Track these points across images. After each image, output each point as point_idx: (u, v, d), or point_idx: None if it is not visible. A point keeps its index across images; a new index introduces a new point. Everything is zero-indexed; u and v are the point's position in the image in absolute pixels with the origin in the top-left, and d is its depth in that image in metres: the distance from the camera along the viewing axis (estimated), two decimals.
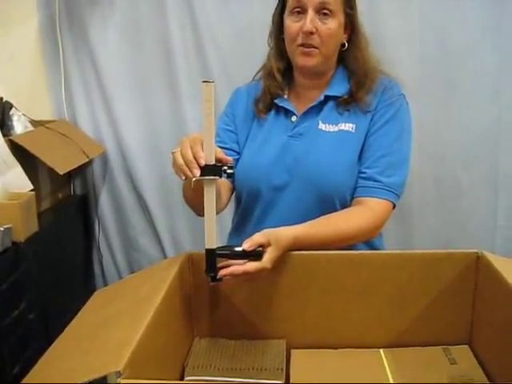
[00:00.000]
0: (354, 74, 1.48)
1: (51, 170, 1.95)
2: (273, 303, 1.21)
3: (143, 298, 1.03)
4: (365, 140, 1.44)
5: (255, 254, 1.11)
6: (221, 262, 1.12)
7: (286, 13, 1.45)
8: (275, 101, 1.52)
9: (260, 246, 1.11)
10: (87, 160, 2.19)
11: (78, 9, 2.27)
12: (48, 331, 1.84)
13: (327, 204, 1.40)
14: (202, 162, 1.06)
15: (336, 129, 1.45)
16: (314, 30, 1.38)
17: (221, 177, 1.09)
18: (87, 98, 2.37)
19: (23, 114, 2.07)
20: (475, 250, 1.15)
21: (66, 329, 1.01)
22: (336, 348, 1.19)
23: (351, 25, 1.47)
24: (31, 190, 1.87)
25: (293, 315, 1.21)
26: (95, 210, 2.48)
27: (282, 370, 1.12)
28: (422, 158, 2.16)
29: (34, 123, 2.12)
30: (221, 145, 1.45)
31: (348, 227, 1.32)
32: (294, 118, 1.50)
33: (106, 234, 2.51)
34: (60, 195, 2.27)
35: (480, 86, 2.10)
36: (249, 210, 1.52)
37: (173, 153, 1.14)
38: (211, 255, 1.10)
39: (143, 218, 2.46)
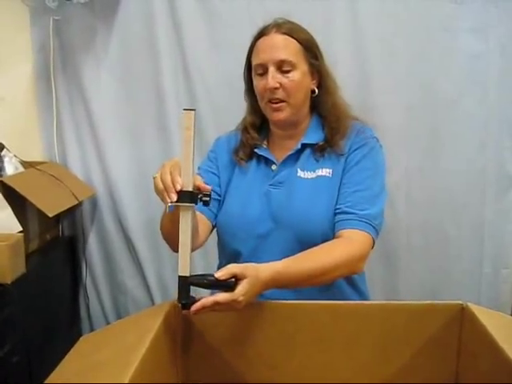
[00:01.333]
0: (327, 120, 1.53)
1: (40, 211, 1.95)
2: (259, 352, 1.20)
3: (129, 346, 1.02)
4: (340, 181, 1.47)
5: (227, 285, 1.10)
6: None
7: (253, 73, 1.51)
8: (255, 150, 1.56)
9: (234, 278, 1.11)
10: (77, 202, 2.20)
11: (72, 53, 2.31)
12: (31, 376, 1.82)
13: (308, 247, 1.41)
14: (178, 187, 1.08)
15: (314, 175, 1.49)
16: (277, 85, 1.44)
17: (196, 204, 1.11)
18: (79, 141, 2.39)
19: (14, 155, 2.09)
20: (460, 302, 1.15)
21: (51, 376, 1.00)
22: None
23: (318, 72, 1.52)
24: (20, 232, 1.87)
25: (279, 364, 1.20)
26: (83, 252, 2.47)
27: None
28: (408, 204, 2.20)
29: (25, 164, 2.13)
30: None
31: (329, 259, 1.31)
32: (273, 167, 1.54)
33: (93, 276, 2.50)
34: (48, 236, 2.26)
35: (466, 137, 2.14)
36: (234, 257, 1.53)
37: (154, 177, 1.16)
38: (184, 282, 1.10)
39: (131, 262, 2.46)
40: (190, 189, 1.09)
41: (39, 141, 2.42)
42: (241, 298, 1.11)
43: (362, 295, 1.57)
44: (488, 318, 1.08)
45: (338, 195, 1.45)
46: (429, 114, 2.14)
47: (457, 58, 2.10)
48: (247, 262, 1.47)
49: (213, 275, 1.10)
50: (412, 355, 1.18)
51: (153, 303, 2.43)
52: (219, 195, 1.57)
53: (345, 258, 1.33)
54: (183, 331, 1.21)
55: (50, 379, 0.99)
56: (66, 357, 1.08)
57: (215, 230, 1.58)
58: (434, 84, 2.12)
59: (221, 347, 1.21)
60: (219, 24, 2.20)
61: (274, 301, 1.19)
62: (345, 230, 1.40)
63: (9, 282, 1.73)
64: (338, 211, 1.43)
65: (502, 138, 2.13)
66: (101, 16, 2.26)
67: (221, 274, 1.10)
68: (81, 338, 1.19)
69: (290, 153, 1.52)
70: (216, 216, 1.56)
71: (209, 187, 1.15)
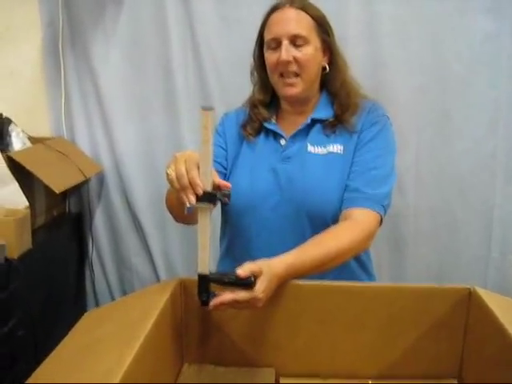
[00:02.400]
0: (337, 97, 1.53)
1: (47, 187, 1.95)
2: (263, 331, 1.20)
3: (133, 322, 1.03)
4: (352, 158, 1.47)
5: (247, 283, 1.09)
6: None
7: (265, 48, 1.51)
8: (264, 124, 1.56)
9: (253, 275, 1.10)
10: (84, 179, 2.20)
11: (81, 27, 2.29)
12: (37, 349, 1.83)
13: (320, 224, 1.41)
14: (200, 191, 1.06)
15: (325, 151, 1.48)
16: (290, 58, 1.44)
17: (215, 205, 1.09)
18: (86, 117, 2.38)
19: (22, 131, 2.08)
20: (467, 286, 1.15)
21: (55, 350, 1.00)
22: (325, 378, 1.18)
23: (329, 49, 1.53)
24: (27, 207, 1.87)
25: (283, 344, 1.20)
26: (89, 228, 2.48)
27: None
28: (417, 187, 2.18)
29: (33, 140, 2.13)
30: None
31: (338, 244, 1.31)
32: (282, 142, 1.53)
33: (99, 253, 2.50)
34: (55, 212, 2.27)
35: (477, 119, 2.12)
36: (241, 231, 1.53)
37: (167, 174, 1.13)
38: (204, 281, 1.10)
39: (137, 239, 2.46)
40: (209, 189, 1.07)
41: (47, 116, 2.41)
42: (261, 295, 1.10)
43: (368, 272, 1.57)
44: (495, 302, 1.07)
45: (349, 173, 1.45)
46: (440, 95, 2.12)
47: (469, 38, 2.07)
48: (253, 238, 1.49)
49: (232, 273, 1.09)
50: (418, 338, 1.18)
51: (158, 280, 2.44)
52: (225, 169, 1.56)
53: (353, 241, 1.33)
54: (189, 309, 1.21)
55: (54, 353, 0.99)
56: (71, 331, 1.09)
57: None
58: (445, 65, 2.09)
59: (226, 326, 1.21)
60: (229, 1, 2.17)
61: (280, 282, 1.18)
62: (353, 209, 1.39)
63: (15, 257, 1.74)
64: (347, 188, 1.43)
65: None
66: None
67: (241, 272, 1.09)
68: (86, 313, 1.20)
69: (299, 127, 1.52)
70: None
71: (228, 184, 1.12)
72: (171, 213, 1.47)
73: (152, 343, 0.98)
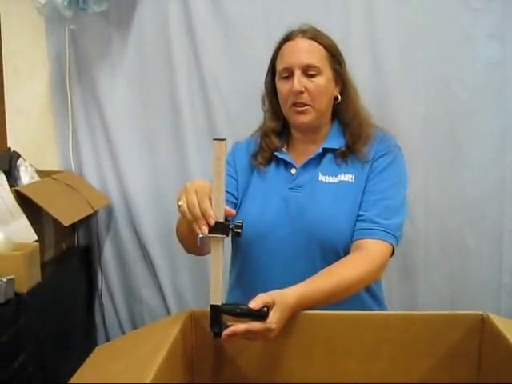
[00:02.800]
0: (349, 127, 1.53)
1: (56, 221, 1.95)
2: (276, 363, 1.19)
3: (145, 356, 1.02)
4: (364, 188, 1.47)
5: (260, 314, 1.09)
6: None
7: (277, 78, 1.53)
8: (275, 153, 1.56)
9: (265, 306, 1.10)
10: (92, 211, 2.20)
11: (87, 62, 2.32)
12: None
13: (331, 253, 1.41)
14: (212, 222, 1.07)
15: (336, 180, 1.48)
16: (302, 89, 1.46)
17: (228, 235, 1.09)
18: (94, 150, 2.39)
19: (30, 165, 2.09)
20: (480, 312, 1.14)
21: None
22: None
23: (341, 79, 1.54)
24: (35, 241, 1.87)
25: (296, 375, 1.19)
26: (98, 260, 2.47)
27: None
28: (427, 215, 2.17)
29: (41, 174, 2.14)
30: None
31: (350, 276, 1.30)
32: (293, 171, 1.53)
33: (108, 285, 2.49)
34: (64, 245, 2.27)
35: (484, 146, 2.11)
36: (251, 261, 1.52)
37: (179, 205, 1.14)
38: (216, 311, 1.10)
39: (146, 270, 2.45)
40: (222, 220, 1.08)
41: (55, 150, 2.42)
42: (274, 326, 1.10)
43: (379, 302, 1.56)
44: (509, 329, 1.06)
45: (361, 202, 1.45)
46: (446, 123, 2.12)
47: (474, 65, 2.07)
48: (263, 268, 1.48)
49: (245, 305, 1.10)
50: (432, 366, 1.16)
51: (168, 312, 2.42)
52: (236, 198, 1.56)
53: (365, 272, 1.33)
54: (199, 342, 1.20)
55: None
56: (82, 367, 1.08)
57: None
58: (451, 93, 2.09)
59: (236, 357, 1.20)
60: (235, 35, 2.19)
61: (293, 313, 1.17)
62: (365, 240, 1.39)
63: (24, 292, 1.74)
64: (360, 218, 1.43)
65: None
66: (116, 25, 2.27)
67: (255, 304, 1.09)
68: (96, 348, 1.19)
69: (310, 157, 1.52)
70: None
71: (233, 211, 1.14)
72: (182, 243, 1.46)
73: (164, 377, 0.97)
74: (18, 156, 2.06)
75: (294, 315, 1.17)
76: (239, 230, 1.10)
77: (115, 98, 2.31)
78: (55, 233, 2.15)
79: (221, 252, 1.09)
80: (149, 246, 2.39)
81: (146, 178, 2.36)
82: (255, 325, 1.09)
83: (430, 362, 1.16)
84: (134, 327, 2.47)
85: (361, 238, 1.40)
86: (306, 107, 1.48)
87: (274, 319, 1.10)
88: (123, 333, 2.48)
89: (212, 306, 1.10)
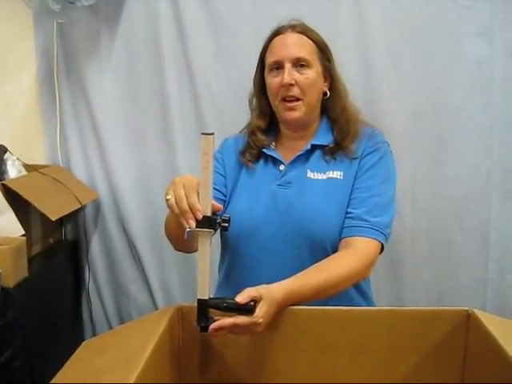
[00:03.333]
0: (337, 123, 1.54)
1: (43, 215, 1.95)
2: (262, 358, 1.19)
3: (132, 350, 1.02)
4: (352, 185, 1.47)
5: (247, 308, 1.09)
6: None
7: (266, 71, 1.53)
8: (263, 150, 1.56)
9: (252, 301, 1.10)
10: (80, 206, 2.19)
11: (75, 56, 2.30)
12: (33, 379, 1.81)
13: (319, 250, 1.42)
14: (200, 216, 1.06)
15: (324, 177, 1.48)
16: (292, 81, 1.45)
17: (216, 230, 1.09)
18: (82, 144, 2.38)
19: (17, 159, 2.08)
20: (465, 308, 1.14)
21: (52, 381, 0.99)
22: None
23: (330, 75, 1.55)
24: (22, 235, 1.86)
25: (282, 370, 1.19)
26: (86, 255, 2.47)
27: None
28: (414, 210, 2.18)
29: (28, 168, 2.13)
30: None
31: (338, 272, 1.31)
32: (281, 167, 1.53)
33: (95, 280, 2.49)
34: (51, 240, 2.26)
35: (471, 142, 2.12)
36: (240, 257, 1.52)
37: (167, 199, 1.14)
38: (203, 306, 1.10)
39: (134, 265, 2.45)
40: (209, 214, 1.08)
41: (42, 144, 2.42)
42: (260, 320, 1.10)
43: (367, 299, 1.56)
44: (494, 325, 1.07)
45: (350, 199, 1.45)
46: (434, 119, 2.13)
47: (462, 63, 2.08)
48: (252, 264, 1.48)
49: (232, 299, 1.10)
50: (418, 362, 1.17)
51: (156, 307, 2.42)
52: (224, 195, 1.56)
53: (353, 269, 1.34)
54: (187, 337, 1.20)
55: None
56: (68, 361, 1.08)
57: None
58: (439, 90, 2.11)
59: (225, 353, 1.20)
60: (224, 31, 2.18)
61: (280, 308, 1.18)
62: (354, 237, 1.40)
63: (11, 286, 1.73)
64: (349, 216, 1.43)
65: (507, 144, 2.12)
66: (105, 19, 2.26)
67: (241, 298, 1.09)
68: (83, 343, 1.19)
69: (299, 153, 1.52)
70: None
71: (220, 206, 1.14)
72: (170, 239, 1.46)
73: (151, 371, 0.97)
74: (5, 150, 2.05)
75: (281, 310, 1.17)
76: (226, 224, 1.10)
77: (103, 93, 2.30)
78: (42, 227, 2.14)
79: (208, 246, 1.09)
80: (136, 241, 2.39)
81: (134, 173, 2.36)
82: (242, 319, 1.09)
83: (416, 357, 1.17)
84: (122, 322, 2.46)
85: (350, 236, 1.40)
86: (296, 103, 1.47)
87: (260, 313, 1.10)
88: (110, 328, 2.47)
89: (199, 300, 1.10)
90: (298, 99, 1.47)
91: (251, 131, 1.60)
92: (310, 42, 1.50)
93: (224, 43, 2.20)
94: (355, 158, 1.49)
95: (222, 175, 1.59)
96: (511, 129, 2.12)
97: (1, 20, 2.29)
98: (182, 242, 1.30)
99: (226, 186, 1.58)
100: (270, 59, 1.51)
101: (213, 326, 1.08)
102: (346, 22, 2.11)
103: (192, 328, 1.13)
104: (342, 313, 1.18)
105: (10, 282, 1.73)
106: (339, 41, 2.07)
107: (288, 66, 1.46)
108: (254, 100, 1.62)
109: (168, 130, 2.30)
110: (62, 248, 2.37)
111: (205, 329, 1.09)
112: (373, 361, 1.17)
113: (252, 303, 1.10)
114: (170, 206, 1.13)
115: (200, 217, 1.06)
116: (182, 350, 1.20)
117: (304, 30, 1.51)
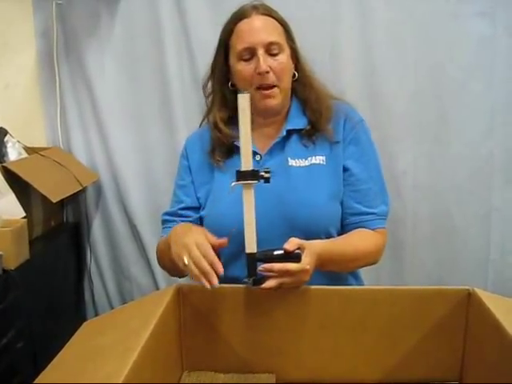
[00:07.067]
0: (308, 103, 1.48)
1: (44, 197, 1.94)
2: (264, 337, 1.20)
3: (132, 330, 1.02)
4: (344, 172, 1.44)
5: (295, 256, 1.12)
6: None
7: (234, 59, 1.45)
8: (235, 143, 1.44)
9: (299, 248, 1.14)
10: (81, 188, 2.19)
11: (75, 38, 2.30)
12: (36, 360, 1.82)
13: (314, 238, 1.37)
14: (221, 272, 1.09)
15: (307, 163, 1.43)
16: (268, 69, 1.38)
17: (258, 181, 1.10)
18: (82, 126, 2.38)
19: (18, 141, 2.07)
20: (466, 287, 1.14)
21: (54, 360, 1.00)
22: (326, 383, 1.18)
23: (295, 55, 1.49)
24: (24, 217, 1.86)
25: (284, 349, 1.20)
26: (87, 237, 2.47)
27: None
28: (415, 193, 2.18)
29: (29, 150, 2.12)
30: (179, 206, 1.52)
31: (364, 245, 1.37)
32: (257, 157, 1.45)
33: (97, 262, 2.50)
34: (52, 222, 2.26)
35: (473, 123, 2.12)
36: (236, 256, 1.39)
37: (187, 265, 1.13)
38: (252, 259, 1.11)
39: (135, 247, 2.46)
40: (251, 168, 1.09)
41: (43, 126, 2.41)
42: (308, 267, 1.13)
43: (358, 278, 1.55)
44: (495, 304, 1.07)
45: (351, 192, 1.43)
46: (436, 100, 2.12)
47: (464, 42, 2.07)
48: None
49: (280, 248, 1.13)
50: (418, 340, 1.17)
51: (157, 288, 2.43)
52: (200, 204, 1.51)
53: (375, 247, 1.39)
54: (187, 316, 1.20)
55: (54, 362, 0.99)
56: (70, 341, 1.08)
57: None
58: (441, 70, 2.09)
59: (226, 332, 1.21)
60: (224, 8, 2.16)
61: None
62: (365, 230, 1.42)
63: (12, 268, 1.73)
64: (356, 211, 1.43)
65: (509, 124, 2.11)
66: (104, 1, 2.24)
67: (289, 246, 1.12)
68: (84, 323, 1.19)
69: (275, 141, 1.46)
70: (202, 224, 1.49)
71: (225, 241, 1.18)
72: (164, 270, 1.48)
73: (151, 351, 0.97)
74: (6, 132, 2.04)
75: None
76: (268, 175, 1.11)
77: (104, 74, 2.30)
78: (43, 209, 2.14)
79: (252, 198, 1.10)
80: (138, 223, 2.39)
81: (135, 155, 2.36)
82: (292, 265, 1.11)
83: (417, 336, 1.17)
84: (123, 304, 2.45)
85: (359, 228, 1.42)
86: (273, 89, 1.41)
87: (307, 260, 1.14)
88: (112, 309, 2.48)
89: (248, 255, 1.11)
90: (273, 86, 1.41)
91: (214, 125, 1.50)
92: (276, 23, 1.44)
93: (224, 21, 2.17)
94: (337, 142, 1.44)
95: (192, 183, 1.53)
96: None
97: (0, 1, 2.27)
98: (179, 272, 1.33)
99: (197, 196, 1.52)
100: (239, 46, 1.41)
101: (264, 266, 1.10)
102: (345, 3, 2.09)
103: (193, 308, 1.14)
104: (343, 292, 1.19)
105: (12, 264, 1.72)
106: (339, 23, 2.06)
107: (261, 52, 1.38)
108: (215, 87, 1.53)
109: (169, 111, 2.29)
110: (63, 230, 2.37)
111: (258, 282, 1.11)
112: (374, 339, 1.18)
113: (299, 251, 1.13)
114: (191, 271, 1.13)
115: (221, 272, 1.09)
116: (183, 329, 1.21)
117: (268, 11, 1.44)
